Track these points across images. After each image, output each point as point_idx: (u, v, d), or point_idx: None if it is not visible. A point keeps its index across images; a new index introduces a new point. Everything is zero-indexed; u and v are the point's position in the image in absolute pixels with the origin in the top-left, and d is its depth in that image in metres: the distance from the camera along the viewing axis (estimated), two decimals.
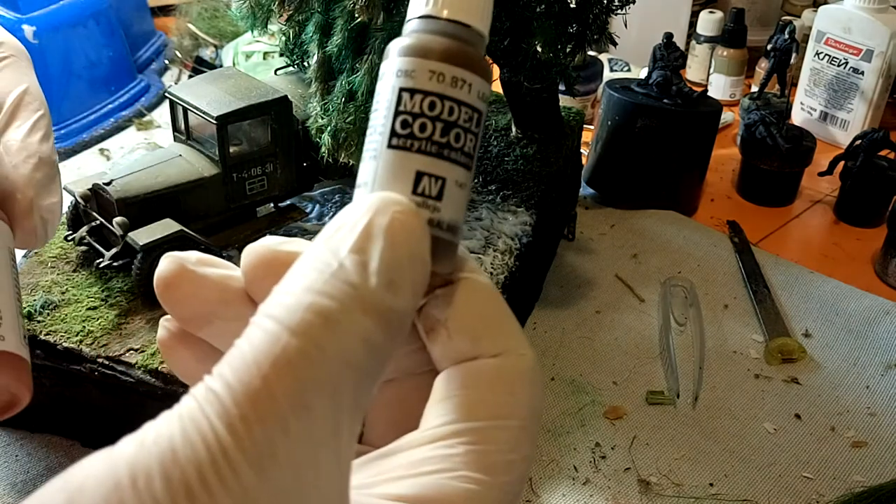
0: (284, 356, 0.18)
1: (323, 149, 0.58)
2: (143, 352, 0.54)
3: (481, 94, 0.24)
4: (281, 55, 0.65)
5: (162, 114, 0.96)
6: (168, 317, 0.25)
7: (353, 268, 0.19)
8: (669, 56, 0.89)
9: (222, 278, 0.24)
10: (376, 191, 0.23)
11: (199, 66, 0.98)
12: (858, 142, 0.89)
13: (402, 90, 0.24)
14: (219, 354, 0.22)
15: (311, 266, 0.20)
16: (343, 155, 0.58)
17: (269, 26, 0.68)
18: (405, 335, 0.21)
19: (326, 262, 0.20)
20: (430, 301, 0.25)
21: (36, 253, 0.62)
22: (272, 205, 0.66)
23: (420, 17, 0.25)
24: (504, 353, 0.24)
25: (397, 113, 0.24)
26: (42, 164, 0.29)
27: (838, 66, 1.01)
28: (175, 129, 0.64)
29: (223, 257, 0.63)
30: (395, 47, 0.24)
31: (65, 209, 0.59)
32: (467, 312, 0.24)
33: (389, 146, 0.23)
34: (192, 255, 0.24)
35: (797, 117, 1.07)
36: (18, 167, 0.28)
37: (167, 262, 0.23)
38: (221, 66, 0.97)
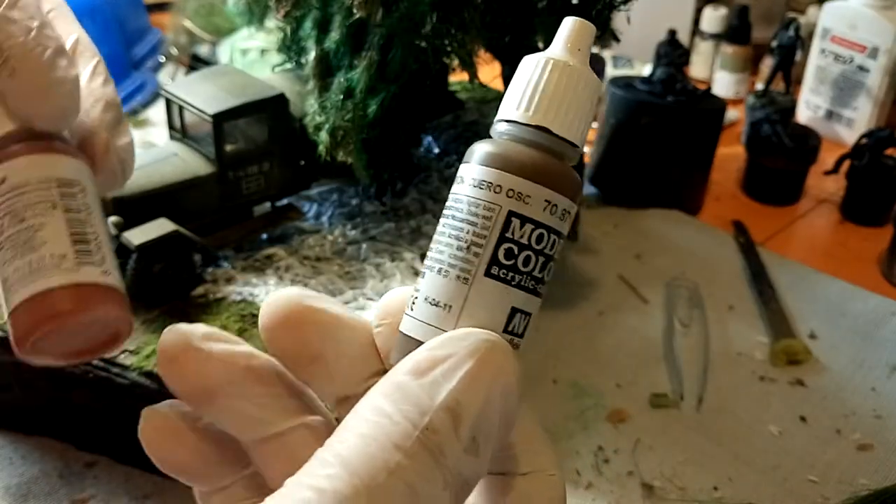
0: None
1: (320, 147, 0.58)
2: (137, 353, 0.54)
3: (567, 214, 0.22)
4: (278, 52, 0.64)
5: (157, 112, 0.95)
6: (149, 409, 0.23)
7: (442, 431, 0.18)
8: (673, 53, 0.88)
9: (228, 355, 0.23)
10: (465, 322, 0.21)
11: (196, 63, 0.97)
12: (864, 140, 0.88)
13: (512, 215, 0.21)
14: (212, 443, 0.23)
15: (397, 413, 0.19)
16: (341, 153, 0.57)
17: (266, 23, 0.68)
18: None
19: (416, 412, 0.19)
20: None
21: None
22: (269, 204, 0.65)
23: (535, 128, 0.22)
24: None
25: (503, 239, 0.21)
26: (110, 106, 0.29)
27: (844, 63, 1.00)
28: (171, 127, 0.63)
29: (219, 257, 0.63)
30: (497, 157, 0.22)
31: None
32: None
33: (488, 274, 0.21)
34: (199, 329, 0.23)
35: (802, 115, 1.06)
36: (89, 111, 0.28)
37: (171, 336, 0.22)
38: (218, 63, 0.96)
